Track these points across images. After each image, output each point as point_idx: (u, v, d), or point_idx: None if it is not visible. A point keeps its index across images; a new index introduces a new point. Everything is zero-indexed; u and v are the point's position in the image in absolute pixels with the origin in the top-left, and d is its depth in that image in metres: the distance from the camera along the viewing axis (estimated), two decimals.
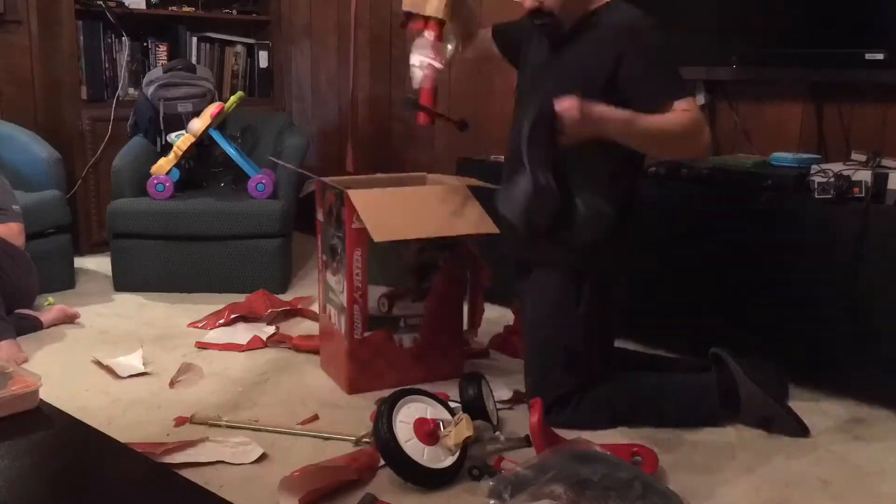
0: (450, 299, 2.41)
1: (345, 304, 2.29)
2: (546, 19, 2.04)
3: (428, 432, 1.85)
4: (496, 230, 2.23)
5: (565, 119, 1.84)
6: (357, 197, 2.19)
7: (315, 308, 3.14)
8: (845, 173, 2.29)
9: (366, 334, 2.32)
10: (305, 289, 3.38)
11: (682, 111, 1.93)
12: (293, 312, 3.06)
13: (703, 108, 2.92)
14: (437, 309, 2.39)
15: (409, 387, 2.01)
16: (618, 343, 2.36)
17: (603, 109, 1.87)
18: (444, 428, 1.88)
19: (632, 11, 2.04)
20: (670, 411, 2.18)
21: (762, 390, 2.15)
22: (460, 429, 1.85)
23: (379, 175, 2.64)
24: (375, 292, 2.32)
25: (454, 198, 2.33)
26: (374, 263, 2.29)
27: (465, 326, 2.50)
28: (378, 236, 2.14)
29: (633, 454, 1.81)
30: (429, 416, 1.90)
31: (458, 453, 1.84)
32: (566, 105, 1.83)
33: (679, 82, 1.98)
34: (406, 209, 2.28)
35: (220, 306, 3.03)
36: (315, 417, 2.19)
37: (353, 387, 2.33)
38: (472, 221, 2.28)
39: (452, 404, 2.07)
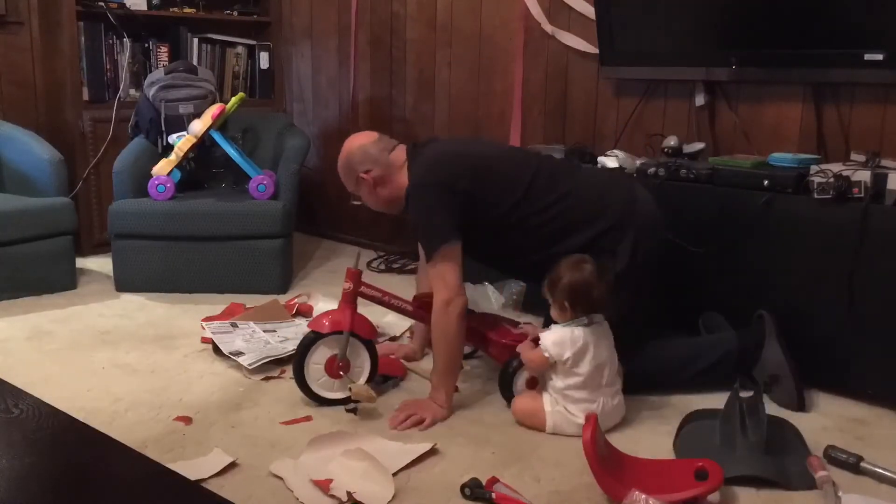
0: None
1: None
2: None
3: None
4: None
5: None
6: None
7: (311, 302, 3.16)
8: (844, 173, 2.29)
9: None
10: (305, 289, 3.38)
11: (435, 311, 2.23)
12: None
13: (702, 109, 2.93)
14: None
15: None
16: None
17: (436, 406, 2.22)
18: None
19: (411, 178, 2.31)
20: (691, 376, 2.37)
21: (784, 353, 2.30)
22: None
23: None
24: None
25: None
26: None
27: None
28: None
29: (697, 469, 1.81)
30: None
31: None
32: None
33: (428, 238, 2.24)
34: None
35: (221, 306, 3.05)
36: (308, 419, 2.20)
37: None
38: None
39: None
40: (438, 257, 2.19)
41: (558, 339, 2.10)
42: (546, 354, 2.10)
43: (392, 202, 2.39)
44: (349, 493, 1.77)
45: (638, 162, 2.80)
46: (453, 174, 2.26)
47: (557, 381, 2.12)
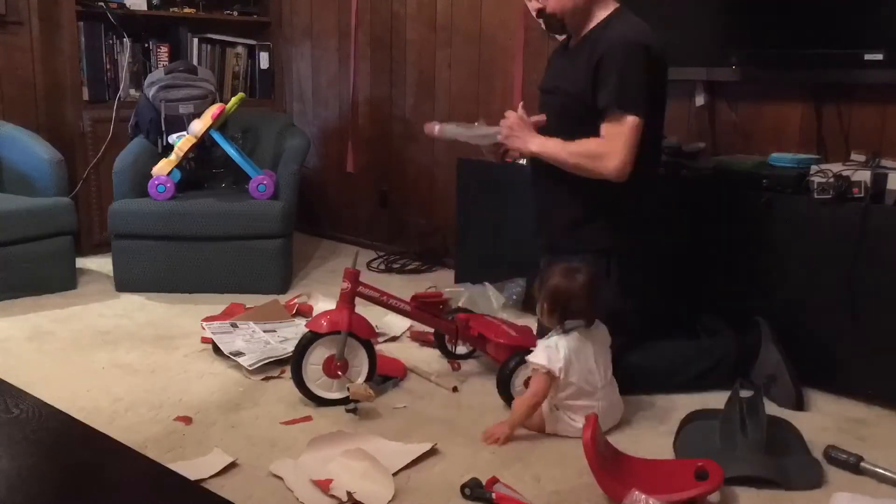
0: None
1: None
2: (551, 20, 2.31)
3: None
4: None
5: (504, 127, 2.24)
6: None
7: (311, 302, 3.17)
8: (844, 174, 2.29)
9: None
10: (305, 289, 3.38)
11: (603, 136, 2.18)
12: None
13: (702, 109, 2.93)
14: None
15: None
16: None
17: (534, 140, 2.24)
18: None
19: (627, 27, 2.24)
20: (688, 380, 2.38)
21: (781, 354, 2.32)
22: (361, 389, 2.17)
23: None
24: None
25: None
26: None
27: None
28: None
29: (697, 469, 1.81)
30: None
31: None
32: (509, 119, 2.24)
33: (626, 98, 2.17)
34: None
35: (221, 306, 3.05)
36: (307, 419, 2.20)
37: None
38: None
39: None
40: (628, 123, 2.16)
41: (547, 351, 2.08)
42: (544, 371, 2.06)
43: (577, 11, 2.28)
44: (349, 493, 1.77)
45: None
46: (659, 50, 2.26)
47: (556, 394, 2.10)
